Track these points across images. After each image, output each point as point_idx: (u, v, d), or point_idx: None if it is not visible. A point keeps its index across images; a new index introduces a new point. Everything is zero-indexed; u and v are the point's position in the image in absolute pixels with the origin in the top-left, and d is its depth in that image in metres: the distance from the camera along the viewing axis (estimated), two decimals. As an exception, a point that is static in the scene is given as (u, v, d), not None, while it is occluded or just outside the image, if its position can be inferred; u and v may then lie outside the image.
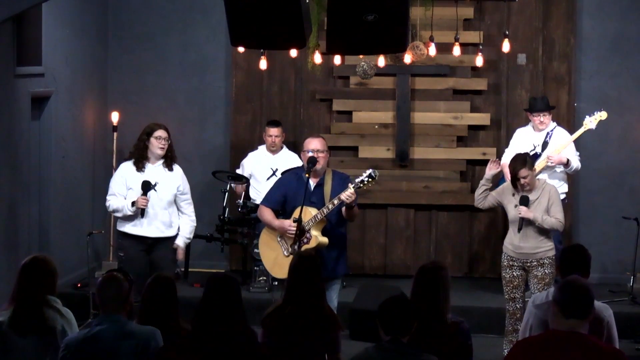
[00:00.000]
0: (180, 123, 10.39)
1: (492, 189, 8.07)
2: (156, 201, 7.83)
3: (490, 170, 8.02)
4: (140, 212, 7.77)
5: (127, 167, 7.92)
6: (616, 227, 10.04)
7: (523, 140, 9.19)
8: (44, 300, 5.20)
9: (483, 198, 8.03)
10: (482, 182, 8.07)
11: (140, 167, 7.85)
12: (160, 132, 7.87)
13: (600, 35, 10.26)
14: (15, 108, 8.30)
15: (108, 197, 7.95)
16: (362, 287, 9.16)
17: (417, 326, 4.73)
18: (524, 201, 7.66)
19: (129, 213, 7.81)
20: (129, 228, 7.89)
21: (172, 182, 7.91)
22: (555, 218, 7.68)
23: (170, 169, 7.91)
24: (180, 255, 8.08)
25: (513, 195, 7.82)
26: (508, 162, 9.05)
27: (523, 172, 7.66)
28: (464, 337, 5.07)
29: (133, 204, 7.76)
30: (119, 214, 7.90)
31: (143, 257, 7.90)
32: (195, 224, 8.14)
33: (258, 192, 9.39)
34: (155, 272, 7.79)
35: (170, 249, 7.97)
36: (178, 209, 8.00)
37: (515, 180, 7.71)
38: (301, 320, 5.30)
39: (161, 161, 7.91)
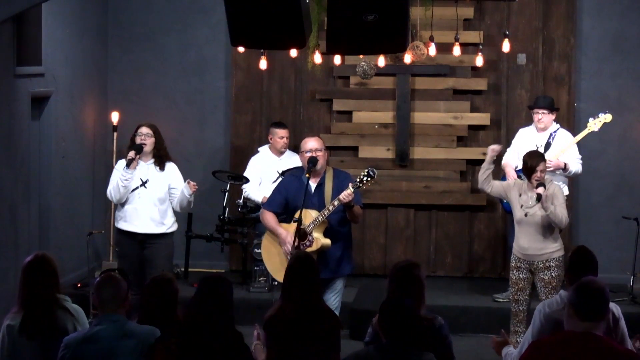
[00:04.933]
0: (180, 123, 10.40)
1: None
2: (146, 198, 7.95)
3: (492, 152, 8.07)
4: (128, 163, 7.90)
5: (121, 164, 8.08)
6: (616, 227, 10.04)
7: (525, 140, 9.13)
8: (54, 300, 5.20)
9: (487, 182, 8.05)
10: (484, 165, 8.10)
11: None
12: (141, 129, 8.06)
13: (600, 35, 10.26)
14: (15, 108, 8.30)
15: (108, 188, 8.11)
16: (362, 287, 9.17)
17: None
18: (539, 198, 7.67)
19: (127, 176, 7.91)
20: (121, 224, 8.08)
21: (163, 180, 8.05)
22: (562, 214, 7.70)
23: (162, 168, 8.01)
24: (192, 186, 8.00)
25: (520, 195, 7.84)
26: (509, 161, 9.06)
27: (542, 165, 7.75)
28: (438, 332, 5.06)
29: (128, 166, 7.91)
30: (116, 194, 7.98)
31: (136, 252, 8.04)
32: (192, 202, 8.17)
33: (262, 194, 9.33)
34: (147, 267, 7.91)
35: (163, 245, 8.03)
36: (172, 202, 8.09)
37: (532, 173, 7.74)
38: (301, 320, 5.30)
39: (152, 160, 8.02)
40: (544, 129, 9.08)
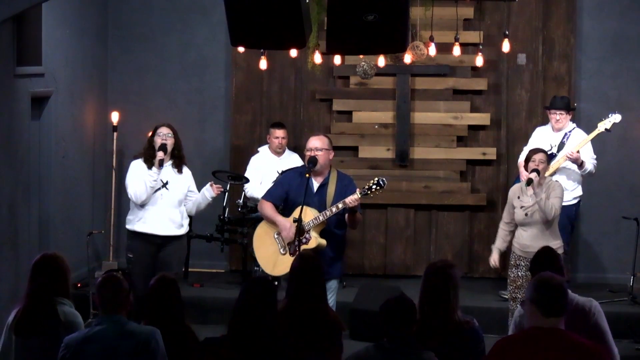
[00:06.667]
0: (180, 123, 10.30)
1: (507, 188, 8.21)
2: (167, 200, 7.85)
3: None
4: (160, 163, 7.77)
5: (139, 164, 7.92)
6: (616, 227, 10.05)
7: (541, 139, 9.20)
8: (50, 302, 5.20)
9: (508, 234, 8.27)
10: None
11: (150, 165, 7.84)
12: (161, 129, 7.92)
13: (600, 35, 10.26)
14: (15, 108, 8.30)
15: (130, 189, 7.86)
16: (362, 287, 9.16)
17: (425, 324, 4.73)
18: (530, 182, 7.82)
19: (155, 177, 7.77)
20: (138, 226, 7.86)
21: (182, 182, 7.95)
22: (552, 205, 7.77)
23: (180, 171, 7.94)
24: (215, 189, 7.93)
25: (518, 197, 7.91)
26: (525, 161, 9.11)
27: (540, 155, 7.86)
28: (472, 334, 5.03)
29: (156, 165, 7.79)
30: (142, 194, 7.77)
31: (151, 256, 7.87)
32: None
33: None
34: (161, 269, 7.80)
35: (178, 247, 7.98)
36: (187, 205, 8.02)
37: (528, 161, 7.88)
38: (305, 320, 5.30)
39: (170, 161, 7.92)
40: (560, 129, 9.13)
